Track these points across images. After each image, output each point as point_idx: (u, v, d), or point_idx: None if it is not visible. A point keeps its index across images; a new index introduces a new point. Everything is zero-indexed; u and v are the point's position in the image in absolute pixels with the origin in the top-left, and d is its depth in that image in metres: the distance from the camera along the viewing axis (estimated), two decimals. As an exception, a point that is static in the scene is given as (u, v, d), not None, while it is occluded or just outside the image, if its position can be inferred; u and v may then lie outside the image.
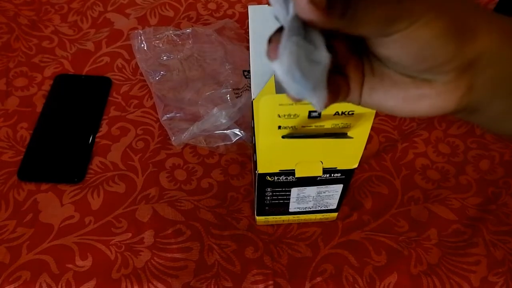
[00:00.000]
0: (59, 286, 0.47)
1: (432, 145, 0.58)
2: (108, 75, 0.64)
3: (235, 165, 0.56)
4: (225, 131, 0.57)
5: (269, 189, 0.45)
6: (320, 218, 0.51)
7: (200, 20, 0.71)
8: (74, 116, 0.60)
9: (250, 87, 0.51)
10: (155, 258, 0.49)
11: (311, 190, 0.46)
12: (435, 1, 0.23)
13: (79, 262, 0.48)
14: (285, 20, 0.22)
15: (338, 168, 0.42)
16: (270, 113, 0.34)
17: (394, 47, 0.24)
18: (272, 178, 0.43)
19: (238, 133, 0.56)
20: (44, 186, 0.54)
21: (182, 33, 0.65)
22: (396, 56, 0.25)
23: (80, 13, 0.71)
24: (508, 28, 0.26)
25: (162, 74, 0.61)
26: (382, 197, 0.54)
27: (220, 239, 0.50)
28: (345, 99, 0.27)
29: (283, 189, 0.45)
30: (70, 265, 0.48)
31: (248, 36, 0.42)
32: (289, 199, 0.47)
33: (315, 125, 0.36)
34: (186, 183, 0.54)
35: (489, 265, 0.49)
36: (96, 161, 0.56)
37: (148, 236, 0.50)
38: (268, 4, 0.23)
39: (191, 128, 0.56)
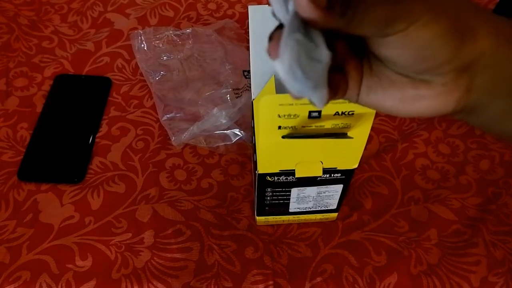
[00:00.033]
0: (59, 286, 0.47)
1: (432, 145, 0.58)
2: (108, 75, 0.64)
3: (235, 165, 0.56)
4: (225, 131, 0.57)
5: (269, 189, 0.45)
6: (320, 218, 0.51)
7: (200, 20, 0.71)
8: (74, 116, 0.60)
9: (250, 87, 0.51)
10: (155, 258, 0.49)
11: (311, 190, 0.46)
12: (435, 1, 0.23)
13: (79, 262, 0.48)
14: (285, 18, 0.22)
15: (338, 168, 0.42)
16: (270, 113, 0.34)
17: (393, 47, 0.24)
18: (272, 178, 0.43)
19: (238, 133, 0.56)
20: (44, 186, 0.54)
21: (182, 33, 0.65)
22: (395, 56, 0.25)
23: (80, 13, 0.71)
24: (507, 29, 0.26)
25: (162, 74, 0.61)
26: (382, 197, 0.54)
27: (220, 239, 0.50)
28: (342, 96, 0.27)
29: (283, 189, 0.45)
30: (70, 265, 0.48)
31: (248, 36, 0.42)
32: (289, 199, 0.47)
33: (315, 125, 0.36)
34: (186, 183, 0.54)
35: (489, 265, 0.49)
36: (96, 161, 0.56)
37: (148, 236, 0.50)
38: (268, 4, 0.23)
39: (191, 128, 0.56)
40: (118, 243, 0.50)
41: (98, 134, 0.58)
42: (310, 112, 0.34)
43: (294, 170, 0.41)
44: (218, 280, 0.48)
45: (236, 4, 0.73)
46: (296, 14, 0.21)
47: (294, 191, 0.45)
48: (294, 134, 0.36)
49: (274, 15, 0.23)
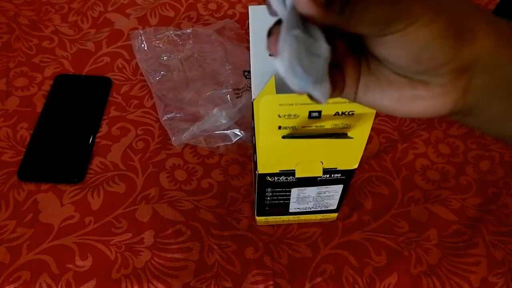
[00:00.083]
0: (59, 286, 0.47)
1: (432, 146, 0.58)
2: (108, 75, 0.64)
3: (235, 165, 0.56)
4: (225, 131, 0.57)
5: (269, 190, 0.45)
6: (320, 219, 0.51)
7: (201, 20, 0.71)
8: (74, 116, 0.60)
9: (250, 87, 0.51)
10: (155, 258, 0.49)
11: (311, 191, 0.46)
12: (435, 2, 0.23)
13: (79, 262, 0.48)
14: (282, 13, 0.22)
15: (338, 168, 0.42)
16: (270, 113, 0.34)
17: (391, 47, 0.24)
18: (272, 179, 0.43)
19: (238, 133, 0.56)
20: (44, 186, 0.54)
21: (183, 33, 0.65)
22: (393, 56, 0.25)
23: (81, 13, 0.71)
24: (505, 31, 0.26)
25: (163, 74, 0.61)
26: (382, 197, 0.54)
27: (220, 239, 0.50)
28: (340, 94, 0.27)
29: (283, 189, 0.45)
30: (70, 265, 0.48)
31: (249, 36, 0.42)
32: (289, 199, 0.47)
33: (315, 125, 0.36)
34: (186, 183, 0.54)
35: (489, 266, 0.49)
36: (96, 161, 0.56)
37: (148, 236, 0.50)
38: (264, 1, 0.23)
39: (191, 128, 0.56)
40: (118, 243, 0.50)
41: (98, 134, 0.58)
42: (310, 112, 0.34)
43: (294, 170, 0.41)
44: (218, 280, 0.48)
45: (237, 4, 0.73)
46: (294, 10, 0.21)
47: (294, 191, 0.45)
48: (294, 134, 0.36)
49: (269, 9, 0.23)
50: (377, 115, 0.36)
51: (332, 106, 0.34)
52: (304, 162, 0.40)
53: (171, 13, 0.71)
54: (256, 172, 0.42)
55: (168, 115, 0.58)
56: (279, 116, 0.34)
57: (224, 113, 0.55)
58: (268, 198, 0.46)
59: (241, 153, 0.57)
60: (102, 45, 0.67)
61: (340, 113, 0.34)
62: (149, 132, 0.59)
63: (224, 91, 0.58)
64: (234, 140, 0.57)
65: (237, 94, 0.58)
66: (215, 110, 0.56)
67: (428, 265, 0.49)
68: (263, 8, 0.44)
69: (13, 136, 0.58)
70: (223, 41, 0.64)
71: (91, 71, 0.64)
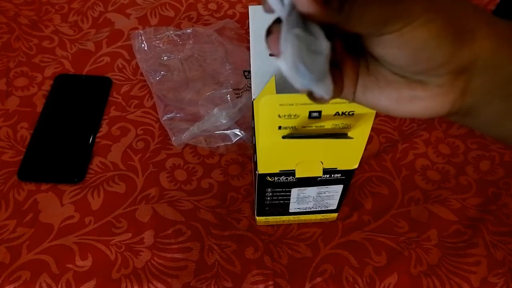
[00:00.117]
0: (59, 286, 0.47)
1: (432, 146, 0.58)
2: (109, 75, 0.64)
3: (235, 166, 0.56)
4: (226, 132, 0.57)
5: (269, 190, 0.45)
6: (320, 219, 0.51)
7: (201, 20, 0.71)
8: (74, 116, 0.60)
9: (250, 87, 0.51)
10: (155, 258, 0.49)
11: (311, 191, 0.46)
12: (433, 2, 0.23)
13: (79, 262, 0.48)
14: (280, 10, 0.22)
15: (338, 168, 0.42)
16: (270, 113, 0.34)
17: (390, 46, 0.24)
18: (272, 179, 0.43)
19: (239, 133, 0.56)
20: (44, 186, 0.54)
21: (183, 33, 0.65)
22: (392, 56, 0.25)
23: (81, 13, 0.71)
24: (504, 32, 0.25)
25: (163, 74, 0.61)
26: (382, 197, 0.54)
27: (220, 239, 0.50)
28: (339, 95, 0.27)
29: (283, 189, 0.45)
30: (70, 265, 0.48)
31: (249, 36, 0.42)
32: (289, 199, 0.47)
33: (315, 126, 0.36)
34: (186, 183, 0.54)
35: (489, 266, 0.49)
36: (96, 161, 0.56)
37: (148, 236, 0.50)
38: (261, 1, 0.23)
39: (192, 128, 0.56)
40: (118, 243, 0.50)
41: (98, 134, 0.58)
42: (310, 112, 0.34)
43: (294, 170, 0.41)
44: (218, 280, 0.48)
45: (237, 4, 0.73)
46: (293, 8, 0.21)
47: (294, 191, 0.45)
48: (294, 134, 0.36)
49: (265, 6, 0.23)
50: (377, 115, 0.36)
51: (332, 106, 0.34)
52: (304, 162, 0.40)
53: (171, 13, 0.71)
54: (256, 172, 0.42)
55: (168, 115, 0.58)
56: (279, 116, 0.34)
57: (224, 113, 0.55)
58: (268, 198, 0.46)
59: (241, 153, 0.57)
60: (102, 45, 0.67)
61: (340, 113, 0.34)
62: (149, 132, 0.59)
63: (224, 91, 0.58)
64: (234, 140, 0.57)
65: (237, 94, 0.58)
66: (215, 110, 0.56)
67: (428, 265, 0.49)
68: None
69: (13, 136, 0.58)
70: (223, 41, 0.64)
71: (91, 71, 0.64)
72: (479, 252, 0.50)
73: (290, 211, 0.49)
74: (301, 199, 0.47)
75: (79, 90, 0.62)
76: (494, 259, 0.50)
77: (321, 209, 0.49)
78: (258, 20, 0.42)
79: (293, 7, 0.21)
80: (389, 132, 0.59)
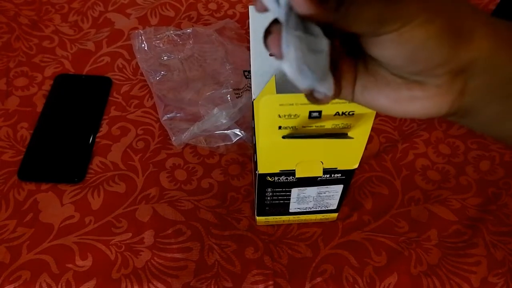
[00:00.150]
0: (59, 286, 0.47)
1: (432, 146, 0.58)
2: (109, 75, 0.64)
3: (235, 165, 0.56)
4: (226, 131, 0.57)
5: (269, 190, 0.45)
6: (321, 219, 0.51)
7: (201, 20, 0.71)
8: (74, 116, 0.60)
9: (250, 87, 0.51)
10: (155, 258, 0.49)
11: (311, 191, 0.46)
12: (431, 2, 0.23)
13: (79, 262, 0.48)
14: (277, 11, 0.22)
15: (339, 168, 0.42)
16: (271, 113, 0.34)
17: (387, 47, 0.24)
18: (272, 179, 0.43)
19: (239, 133, 0.56)
20: (44, 186, 0.54)
21: (183, 33, 0.65)
22: (389, 56, 0.25)
23: (81, 13, 0.71)
24: (503, 32, 0.25)
25: (163, 74, 0.61)
26: (382, 197, 0.54)
27: (220, 239, 0.50)
28: (337, 96, 0.27)
29: (284, 189, 0.45)
30: (70, 265, 0.48)
31: (249, 36, 0.42)
32: (289, 199, 0.47)
33: (315, 125, 0.36)
34: (186, 183, 0.54)
35: (489, 266, 0.49)
36: (96, 161, 0.56)
37: (148, 236, 0.50)
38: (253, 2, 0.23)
39: (192, 128, 0.56)
40: (118, 243, 0.50)
41: (99, 134, 0.58)
42: (310, 112, 0.34)
43: (294, 170, 0.41)
44: (218, 280, 0.48)
45: (237, 4, 0.73)
46: (291, 9, 0.21)
47: (294, 191, 0.45)
48: (295, 134, 0.36)
49: (258, 4, 0.23)
50: (377, 115, 0.36)
51: (332, 106, 0.34)
52: (304, 162, 0.40)
53: (172, 13, 0.71)
54: (256, 172, 0.42)
55: (168, 115, 0.58)
56: (279, 116, 0.34)
57: (224, 113, 0.55)
58: (268, 198, 0.46)
59: (241, 153, 0.57)
60: (102, 45, 0.67)
61: (340, 113, 0.34)
62: (149, 132, 0.59)
63: (224, 91, 0.58)
64: (234, 140, 0.57)
65: (237, 94, 0.58)
66: (215, 110, 0.56)
67: (428, 265, 0.49)
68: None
69: (13, 136, 0.58)
70: (224, 41, 0.64)
71: (91, 71, 0.64)
72: (479, 252, 0.50)
73: (290, 211, 0.49)
74: (301, 199, 0.47)
75: (79, 90, 0.62)
76: (494, 259, 0.50)
77: (321, 209, 0.49)
78: (258, 20, 0.42)
79: (290, 8, 0.21)
80: (389, 132, 0.59)
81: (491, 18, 0.26)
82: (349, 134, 0.37)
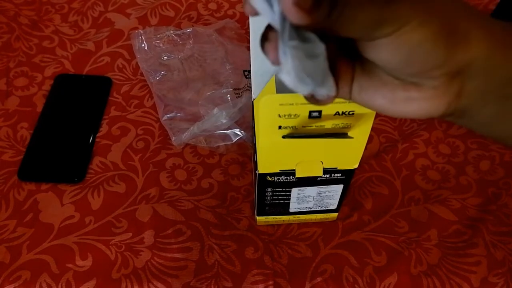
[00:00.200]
0: (59, 286, 0.47)
1: (432, 146, 0.58)
2: (109, 75, 0.64)
3: (235, 165, 0.56)
4: (226, 131, 0.57)
5: (269, 189, 0.45)
6: (321, 218, 0.51)
7: (201, 20, 0.71)
8: (74, 116, 0.60)
9: (250, 87, 0.51)
10: (155, 258, 0.49)
11: (311, 190, 0.46)
12: (426, 4, 0.23)
13: (79, 262, 0.48)
14: (271, 16, 0.21)
15: (339, 168, 0.42)
16: (271, 113, 0.34)
17: (382, 50, 0.24)
18: (272, 178, 0.43)
19: (239, 133, 0.56)
20: (44, 186, 0.54)
21: (183, 33, 0.65)
22: (384, 60, 0.25)
23: (81, 13, 0.71)
24: (500, 33, 0.25)
25: (163, 74, 0.61)
26: (382, 197, 0.54)
27: (220, 239, 0.50)
28: (337, 95, 0.27)
29: (284, 189, 0.45)
30: (70, 265, 0.48)
31: (249, 36, 0.42)
32: (289, 199, 0.47)
33: (315, 125, 0.36)
34: (186, 183, 0.54)
35: (489, 266, 0.49)
36: (96, 161, 0.56)
37: (148, 236, 0.50)
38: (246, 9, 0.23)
39: (192, 128, 0.56)
40: (118, 243, 0.50)
41: (99, 134, 0.58)
42: (310, 112, 0.34)
43: (294, 170, 0.41)
44: (218, 280, 0.48)
45: (237, 4, 0.73)
46: (285, 18, 0.21)
47: (295, 191, 0.45)
48: (295, 134, 0.36)
49: (247, 7, 0.23)
50: (377, 115, 0.36)
51: (332, 106, 0.34)
52: (304, 162, 0.40)
53: (171, 13, 0.71)
54: (256, 172, 0.42)
55: (168, 115, 0.58)
56: (279, 116, 0.34)
57: (224, 113, 0.55)
58: (268, 198, 0.46)
59: (241, 153, 0.57)
60: (102, 45, 0.67)
61: (340, 113, 0.34)
62: (149, 132, 0.59)
63: (224, 91, 0.58)
64: (234, 140, 0.57)
65: (237, 94, 0.58)
66: (215, 110, 0.56)
67: (428, 265, 0.49)
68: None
69: (13, 136, 0.58)
70: (224, 41, 0.64)
71: (91, 71, 0.65)
72: (479, 252, 0.50)
73: (290, 211, 0.49)
74: (301, 199, 0.47)
75: (79, 90, 0.62)
76: (494, 259, 0.50)
77: (321, 209, 0.49)
78: (258, 20, 0.42)
79: (284, 18, 0.21)
80: (389, 132, 0.59)
81: (487, 18, 0.25)
82: (349, 134, 0.37)
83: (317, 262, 0.49)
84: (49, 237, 0.50)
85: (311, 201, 0.47)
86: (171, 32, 0.65)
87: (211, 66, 0.62)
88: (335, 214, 0.51)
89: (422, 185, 0.55)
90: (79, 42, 0.67)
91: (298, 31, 0.22)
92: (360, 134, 0.37)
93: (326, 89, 0.24)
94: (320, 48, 0.22)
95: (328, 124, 0.36)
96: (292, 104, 0.33)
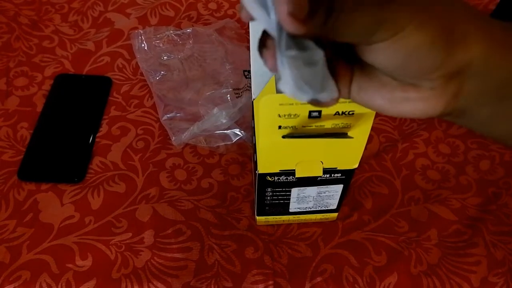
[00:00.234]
0: (59, 286, 0.47)
1: (432, 146, 0.58)
2: (109, 75, 0.64)
3: (235, 165, 0.56)
4: (226, 131, 0.57)
5: (269, 189, 0.45)
6: (320, 218, 0.51)
7: (201, 20, 0.71)
8: (74, 116, 0.60)
9: (250, 87, 0.51)
10: (155, 258, 0.49)
11: (311, 190, 0.46)
12: (422, 7, 0.23)
13: (79, 262, 0.48)
14: (267, 22, 0.21)
15: (339, 168, 0.42)
16: (270, 113, 0.34)
17: (380, 54, 0.24)
18: (272, 178, 0.43)
19: (239, 133, 0.56)
20: (44, 186, 0.54)
21: (183, 33, 0.65)
22: (382, 63, 0.25)
23: (81, 13, 0.71)
24: (499, 34, 0.25)
25: (163, 74, 0.61)
26: (382, 197, 0.54)
27: (220, 239, 0.50)
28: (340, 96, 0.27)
29: (284, 189, 0.45)
30: (70, 265, 0.48)
31: (249, 36, 0.42)
32: (289, 199, 0.47)
33: (315, 125, 0.36)
34: (186, 183, 0.54)
35: (489, 266, 0.49)
36: (96, 160, 0.56)
37: (148, 236, 0.50)
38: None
39: (192, 128, 0.56)
40: (118, 242, 0.50)
41: (98, 134, 0.58)
42: (310, 112, 0.34)
43: (294, 170, 0.41)
44: (218, 280, 0.48)
45: (237, 4, 0.73)
46: (281, 28, 0.21)
47: (294, 191, 0.45)
48: (295, 134, 0.36)
49: (243, 13, 0.22)
50: (377, 114, 0.36)
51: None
52: (304, 162, 0.40)
53: (171, 13, 0.71)
54: (256, 172, 0.42)
55: (168, 115, 0.58)
56: (279, 116, 0.34)
57: (224, 113, 0.55)
58: (268, 198, 0.46)
59: (241, 153, 0.57)
60: (102, 45, 0.67)
61: (340, 112, 0.34)
62: (149, 132, 0.59)
63: (224, 91, 0.58)
64: (234, 139, 0.57)
65: (237, 94, 0.58)
66: (215, 110, 0.56)
67: (428, 265, 0.49)
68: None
69: (13, 136, 0.58)
70: (223, 41, 0.64)
71: (91, 71, 0.65)
72: (479, 251, 0.50)
73: (290, 210, 0.49)
74: (301, 199, 0.47)
75: (79, 90, 0.62)
76: (494, 259, 0.50)
77: (321, 208, 0.49)
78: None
79: (281, 28, 0.21)
80: (389, 131, 0.59)
81: (486, 19, 0.25)
82: (349, 133, 0.37)
83: (317, 262, 0.49)
84: (49, 237, 0.50)
85: (311, 201, 0.47)
86: (171, 32, 0.65)
87: (211, 66, 0.62)
88: (335, 214, 0.51)
89: (422, 185, 0.55)
90: (79, 42, 0.67)
91: (295, 39, 0.22)
92: (360, 134, 0.37)
93: (327, 93, 0.24)
94: (318, 54, 0.22)
95: (328, 124, 0.36)
96: (292, 104, 0.33)
